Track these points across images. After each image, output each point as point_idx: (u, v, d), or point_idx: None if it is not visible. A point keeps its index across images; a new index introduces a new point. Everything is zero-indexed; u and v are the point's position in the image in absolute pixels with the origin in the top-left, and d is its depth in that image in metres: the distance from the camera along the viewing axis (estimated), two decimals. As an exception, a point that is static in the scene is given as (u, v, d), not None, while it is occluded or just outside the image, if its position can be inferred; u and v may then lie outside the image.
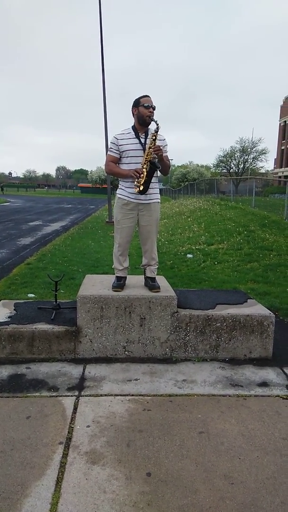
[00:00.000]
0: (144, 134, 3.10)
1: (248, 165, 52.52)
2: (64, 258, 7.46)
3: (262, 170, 54.73)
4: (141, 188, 3.01)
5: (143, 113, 2.99)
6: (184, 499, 1.78)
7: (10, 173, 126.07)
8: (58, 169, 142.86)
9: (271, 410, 2.52)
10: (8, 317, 3.24)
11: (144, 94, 3.03)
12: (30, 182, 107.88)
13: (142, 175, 2.98)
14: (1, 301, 3.75)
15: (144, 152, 3.04)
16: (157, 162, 2.98)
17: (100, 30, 14.05)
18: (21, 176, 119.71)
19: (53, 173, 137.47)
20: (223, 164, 54.34)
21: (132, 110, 3.09)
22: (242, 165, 53.20)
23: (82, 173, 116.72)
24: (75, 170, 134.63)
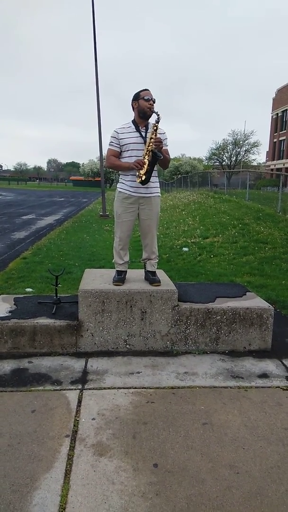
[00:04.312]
0: (144, 127, 3.10)
1: (240, 158, 52.61)
2: (59, 252, 7.44)
3: (254, 163, 54.94)
4: (143, 178, 3.02)
5: (143, 106, 2.99)
6: (191, 489, 1.82)
7: (0, 166, 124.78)
8: (49, 162, 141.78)
9: (272, 401, 2.56)
10: (9, 312, 3.24)
11: (144, 88, 3.04)
12: (21, 175, 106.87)
13: (144, 165, 2.99)
14: (1, 295, 3.75)
15: (145, 145, 3.05)
16: (158, 152, 2.99)
17: (93, 22, 13.89)
18: (12, 169, 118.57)
19: (44, 166, 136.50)
20: (215, 157, 54.36)
21: (132, 104, 3.09)
22: (234, 157, 53.28)
23: (73, 166, 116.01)
24: (66, 163, 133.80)
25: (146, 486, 1.83)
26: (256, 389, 2.72)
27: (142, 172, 3.01)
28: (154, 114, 2.99)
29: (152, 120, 3.09)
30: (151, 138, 2.99)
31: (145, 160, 3.00)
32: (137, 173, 3.04)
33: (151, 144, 2.99)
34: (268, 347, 3.31)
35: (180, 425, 2.28)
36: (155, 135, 2.98)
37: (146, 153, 3.01)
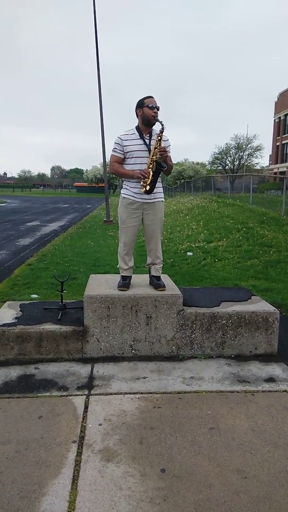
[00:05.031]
0: (148, 135, 3.13)
1: (243, 162, 52.64)
2: (64, 258, 7.47)
3: (258, 167, 54.88)
4: (148, 188, 3.04)
5: (147, 113, 3.01)
6: (199, 494, 1.81)
7: (5, 174, 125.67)
8: (53, 169, 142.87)
9: (279, 405, 2.55)
10: (15, 318, 3.26)
11: (148, 95, 3.06)
12: (26, 182, 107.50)
13: (148, 175, 3.01)
14: (7, 302, 3.77)
15: (149, 152, 3.07)
16: (162, 162, 3.01)
17: (95, 27, 14.04)
18: (16, 177, 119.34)
19: (48, 172, 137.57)
20: (218, 161, 54.42)
21: (136, 111, 3.11)
22: (237, 162, 53.32)
23: (77, 172, 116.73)
24: (70, 170, 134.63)
25: (154, 491, 1.83)
26: (263, 393, 2.71)
27: (147, 181, 3.03)
28: (158, 122, 3.01)
29: (156, 127, 3.12)
30: (155, 148, 3.01)
31: (150, 170, 3.02)
32: (142, 183, 3.06)
33: (155, 154, 3.01)
34: (275, 351, 3.30)
35: (187, 430, 2.28)
36: (159, 145, 3.00)
37: (150, 163, 3.03)
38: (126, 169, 3.16)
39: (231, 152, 53.18)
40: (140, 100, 3.08)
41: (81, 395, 2.63)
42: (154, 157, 3.01)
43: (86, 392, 2.66)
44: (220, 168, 54.28)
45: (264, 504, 1.76)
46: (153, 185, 3.05)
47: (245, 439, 2.21)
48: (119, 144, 3.13)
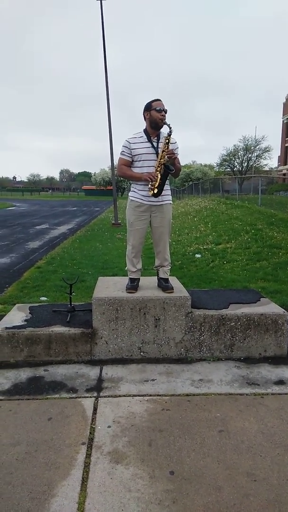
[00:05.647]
0: (156, 137, 3.14)
1: (252, 163, 52.44)
2: (73, 261, 7.51)
3: (266, 168, 54.61)
4: (155, 191, 3.05)
5: (155, 116, 3.03)
6: (208, 497, 1.81)
7: (14, 178, 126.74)
8: (61, 172, 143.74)
9: (289, 408, 2.53)
10: (25, 321, 3.28)
11: (155, 98, 3.07)
12: (35, 186, 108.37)
13: (156, 178, 3.02)
14: (16, 304, 3.80)
15: (157, 155, 3.08)
16: (170, 165, 3.02)
17: (103, 32, 14.13)
18: (25, 180, 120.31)
19: (56, 176, 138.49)
20: (226, 163, 54.28)
21: (143, 114, 3.12)
22: (246, 163, 53.13)
23: (85, 175, 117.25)
24: (78, 173, 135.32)
25: (163, 494, 1.83)
26: (273, 396, 2.69)
27: (155, 184, 3.03)
28: (166, 125, 3.02)
29: (164, 130, 3.13)
30: (163, 151, 3.02)
31: (158, 173, 3.03)
32: (149, 186, 3.07)
33: (163, 157, 3.02)
34: (284, 353, 3.28)
35: (196, 433, 2.27)
36: (167, 148, 3.01)
37: (158, 166, 3.04)
38: (135, 172, 3.17)
39: (239, 153, 53.06)
40: (147, 103, 3.09)
41: (90, 397, 2.64)
42: (162, 160, 3.02)
43: (95, 394, 2.67)
44: (229, 169, 54.15)
45: (273, 507, 1.75)
46: (161, 188, 3.05)
47: (255, 442, 2.20)
48: (127, 147, 3.15)
